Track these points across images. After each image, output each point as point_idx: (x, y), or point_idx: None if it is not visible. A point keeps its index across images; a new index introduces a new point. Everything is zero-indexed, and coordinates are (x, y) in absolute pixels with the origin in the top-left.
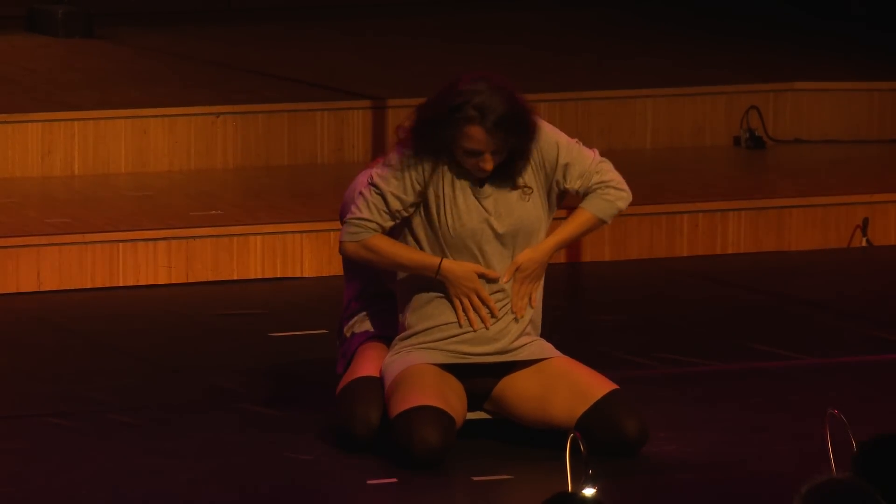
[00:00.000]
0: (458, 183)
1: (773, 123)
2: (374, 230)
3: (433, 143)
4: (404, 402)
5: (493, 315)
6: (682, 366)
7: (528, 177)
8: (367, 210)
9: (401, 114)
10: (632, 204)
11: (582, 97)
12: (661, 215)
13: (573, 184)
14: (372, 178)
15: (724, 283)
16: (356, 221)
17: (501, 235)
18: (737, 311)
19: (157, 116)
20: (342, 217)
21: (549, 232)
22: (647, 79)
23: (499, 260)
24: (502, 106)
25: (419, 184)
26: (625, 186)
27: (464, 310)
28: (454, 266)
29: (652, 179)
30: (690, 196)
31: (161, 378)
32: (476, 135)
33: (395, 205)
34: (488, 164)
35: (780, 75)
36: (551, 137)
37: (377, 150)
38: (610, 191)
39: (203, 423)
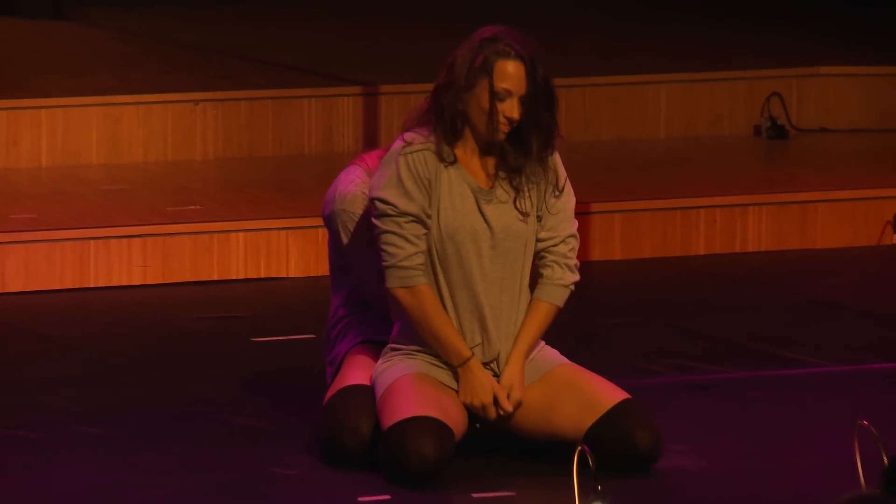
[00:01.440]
0: (458, 186)
1: (796, 111)
2: (423, 266)
3: (456, 96)
4: (398, 411)
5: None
6: (699, 373)
7: (532, 195)
8: (406, 244)
9: (394, 101)
10: (645, 198)
11: (589, 83)
12: (676, 210)
13: (541, 232)
14: (381, 201)
15: (744, 283)
16: (403, 263)
17: (494, 242)
18: (757, 313)
19: (131, 104)
20: (325, 217)
21: None
22: (661, 63)
23: (490, 262)
24: (538, 54)
25: (429, 181)
26: (578, 271)
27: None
28: (479, 371)
29: (666, 171)
30: (707, 190)
31: (135, 387)
32: (512, 70)
33: (422, 213)
34: (515, 112)
35: (805, 59)
36: (562, 171)
37: (368, 140)
38: (566, 273)
39: (181, 436)
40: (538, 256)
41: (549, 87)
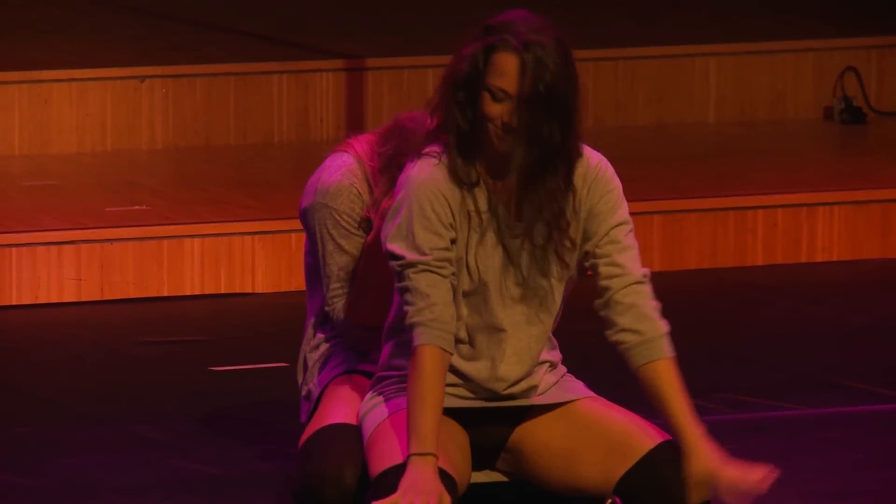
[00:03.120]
0: (485, 213)
1: (876, 90)
2: (440, 320)
3: (453, 88)
4: (389, 455)
5: None
6: (754, 409)
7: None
8: (420, 299)
9: (383, 77)
10: (691, 196)
11: (624, 55)
12: (728, 211)
13: (602, 266)
14: (392, 256)
15: (812, 300)
16: (418, 318)
17: (521, 289)
18: (828, 337)
19: (61, 81)
20: (301, 210)
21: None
22: (710, 32)
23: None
24: (553, 47)
25: (446, 213)
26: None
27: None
28: (435, 470)
29: (716, 164)
30: (767, 186)
31: (68, 425)
32: (507, 66)
33: (441, 256)
34: (512, 119)
35: (886, 27)
36: (611, 176)
37: (352, 125)
38: (658, 320)
39: (123, 487)
40: (604, 289)
41: (557, 92)
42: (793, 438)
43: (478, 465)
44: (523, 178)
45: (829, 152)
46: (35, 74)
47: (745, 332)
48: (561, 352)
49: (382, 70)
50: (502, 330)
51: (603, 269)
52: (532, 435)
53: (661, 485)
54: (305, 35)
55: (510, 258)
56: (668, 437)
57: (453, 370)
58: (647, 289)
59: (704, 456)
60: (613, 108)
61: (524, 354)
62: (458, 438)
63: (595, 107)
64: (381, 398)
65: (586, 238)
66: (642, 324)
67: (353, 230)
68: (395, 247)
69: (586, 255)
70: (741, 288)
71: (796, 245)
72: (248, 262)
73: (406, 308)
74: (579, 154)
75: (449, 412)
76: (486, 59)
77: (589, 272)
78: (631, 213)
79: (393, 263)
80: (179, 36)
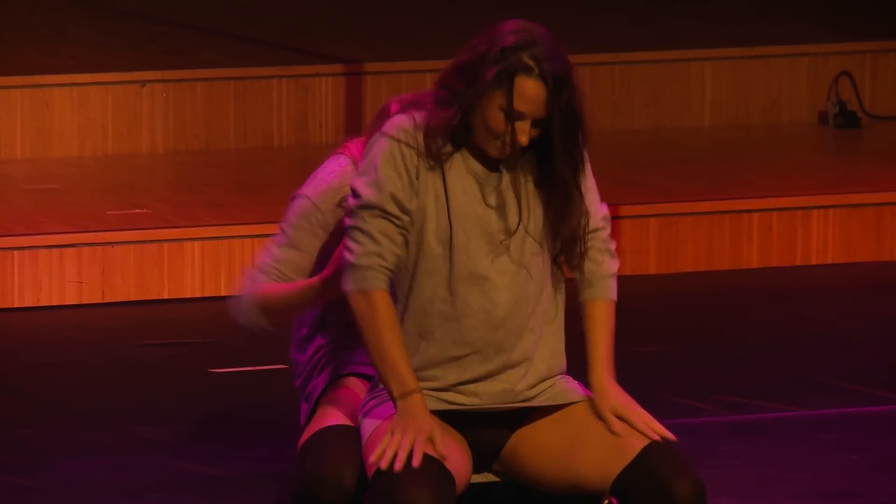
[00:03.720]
0: (459, 182)
1: (870, 94)
2: (388, 267)
3: (465, 97)
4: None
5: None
6: (750, 411)
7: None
8: (367, 241)
9: (382, 82)
10: (686, 200)
11: (621, 60)
12: (724, 214)
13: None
14: (356, 194)
15: (807, 303)
16: (363, 262)
17: (513, 259)
18: (822, 339)
19: (63, 85)
20: (291, 199)
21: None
22: (706, 36)
23: (503, 292)
24: (566, 71)
25: (414, 178)
26: (616, 256)
27: (385, 447)
28: (423, 406)
29: (711, 167)
30: (762, 189)
31: (68, 427)
32: (530, 91)
33: (401, 213)
34: (524, 137)
35: (880, 32)
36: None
37: (350, 129)
38: (608, 261)
39: (124, 488)
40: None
41: (574, 110)
42: (788, 440)
43: (476, 469)
44: (534, 188)
45: (824, 156)
46: (37, 79)
47: (740, 335)
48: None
49: (381, 74)
50: (486, 278)
51: None
52: (529, 439)
53: (654, 483)
54: (305, 40)
55: (490, 217)
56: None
57: (445, 355)
58: (602, 234)
59: (607, 396)
60: (610, 112)
61: (519, 301)
62: (456, 440)
63: (592, 111)
64: (379, 400)
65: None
66: (589, 265)
67: (320, 230)
68: (360, 183)
69: None
70: (736, 290)
71: (791, 248)
72: (248, 264)
73: (354, 247)
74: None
75: (446, 416)
76: (510, 80)
77: None
78: (627, 217)
79: (351, 201)
80: (180, 41)
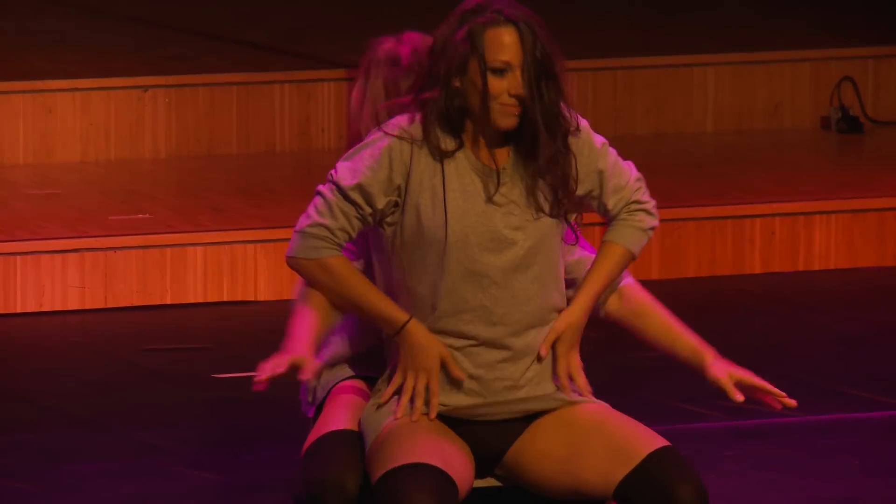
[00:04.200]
0: (459, 180)
1: (872, 100)
2: (338, 243)
3: (445, 76)
4: (391, 459)
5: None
6: (753, 416)
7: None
8: (328, 215)
9: None
10: (689, 205)
11: (621, 64)
12: (727, 220)
13: (608, 200)
14: (335, 170)
15: (809, 308)
16: (313, 230)
17: (517, 255)
18: (825, 345)
19: (65, 90)
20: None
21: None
22: (708, 42)
23: (503, 289)
24: (534, 17)
25: (400, 175)
26: (656, 212)
27: (400, 391)
28: (421, 333)
29: (714, 173)
30: (764, 195)
31: (72, 433)
32: (505, 38)
33: (366, 205)
34: (519, 88)
35: (883, 37)
36: (585, 134)
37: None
38: (642, 216)
39: (128, 494)
40: (610, 223)
41: (550, 56)
42: (790, 445)
43: (478, 474)
44: (525, 145)
45: (827, 161)
46: (39, 84)
47: (743, 340)
48: None
49: None
50: (484, 275)
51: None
52: (532, 444)
53: (657, 488)
54: (307, 45)
55: (493, 218)
56: (666, 443)
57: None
58: (638, 195)
59: (561, 319)
60: (612, 117)
61: (520, 297)
62: (458, 444)
63: (594, 116)
64: (383, 405)
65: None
66: (622, 214)
67: None
68: (341, 164)
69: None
70: (739, 296)
71: (794, 253)
72: (251, 270)
73: (312, 214)
74: (575, 121)
75: (448, 420)
76: (479, 39)
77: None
78: None
79: (330, 172)
80: (182, 46)
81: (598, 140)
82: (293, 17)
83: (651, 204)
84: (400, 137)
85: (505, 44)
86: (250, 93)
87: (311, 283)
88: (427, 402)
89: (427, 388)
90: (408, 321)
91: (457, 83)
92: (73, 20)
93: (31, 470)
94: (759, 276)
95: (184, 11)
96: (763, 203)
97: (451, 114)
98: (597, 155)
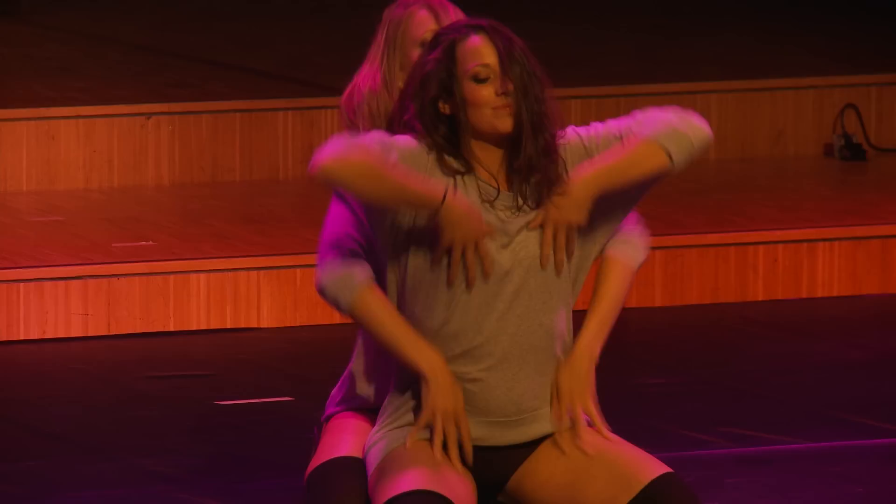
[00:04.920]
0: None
1: (875, 127)
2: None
3: (432, 102)
4: (393, 486)
5: (485, 277)
6: (758, 443)
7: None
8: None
9: None
10: (692, 232)
11: (626, 92)
12: (729, 247)
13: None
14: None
15: (812, 335)
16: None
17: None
18: (828, 371)
19: (69, 118)
20: (321, 258)
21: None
22: (710, 68)
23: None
24: (494, 22)
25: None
26: (694, 122)
27: (451, 265)
28: (461, 202)
29: (717, 200)
30: (768, 222)
31: (74, 460)
32: (478, 44)
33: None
34: (506, 85)
35: (886, 64)
36: (571, 135)
37: None
38: (639, 230)
39: None
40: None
41: (526, 55)
42: (794, 472)
43: (479, 500)
44: (514, 144)
45: (830, 188)
46: (42, 111)
47: (746, 367)
48: None
49: None
50: (484, 303)
51: None
52: (534, 471)
53: None
54: (310, 72)
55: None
56: (669, 469)
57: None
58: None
59: (577, 355)
60: None
61: (521, 324)
62: (460, 471)
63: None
64: (386, 431)
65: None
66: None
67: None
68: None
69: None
70: (742, 323)
71: (797, 280)
72: (254, 297)
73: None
74: (560, 119)
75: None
76: (453, 56)
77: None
78: None
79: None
80: (185, 73)
81: (580, 130)
82: (296, 45)
83: (640, 231)
84: (420, 154)
85: (479, 49)
86: (254, 120)
87: (334, 183)
88: (461, 446)
89: (459, 431)
90: (447, 189)
91: (444, 108)
92: (77, 48)
93: (34, 497)
94: (761, 304)
95: (187, 39)
96: (766, 230)
97: (451, 140)
98: (583, 143)
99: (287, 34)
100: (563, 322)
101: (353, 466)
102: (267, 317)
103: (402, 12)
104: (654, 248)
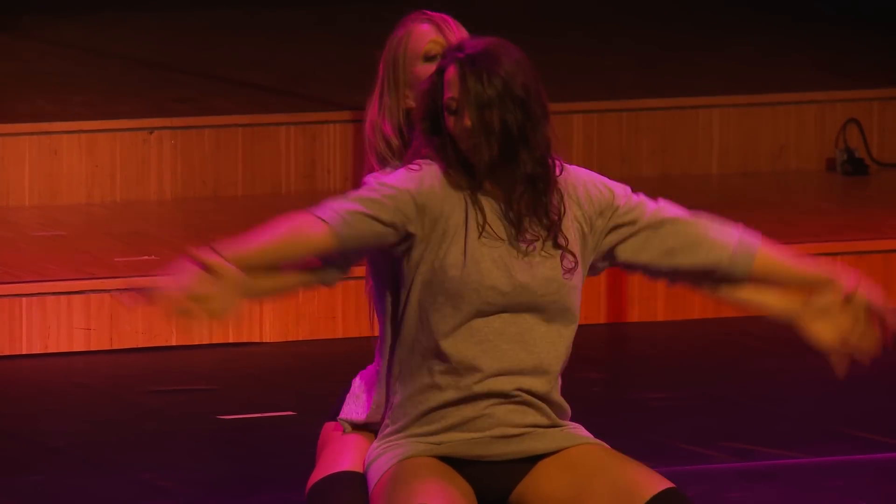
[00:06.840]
0: (480, 227)
1: (878, 142)
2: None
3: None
4: (395, 501)
5: None
6: (758, 458)
7: (570, 236)
8: (376, 203)
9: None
10: None
11: (629, 107)
12: None
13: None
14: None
15: (814, 349)
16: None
17: (534, 304)
18: (830, 386)
19: (71, 132)
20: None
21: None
22: (713, 83)
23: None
24: (493, 48)
25: (413, 205)
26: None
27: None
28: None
29: (719, 214)
30: (770, 236)
31: (77, 474)
32: (450, 77)
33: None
34: (465, 121)
35: (888, 79)
36: (592, 176)
37: (360, 177)
38: (714, 237)
39: None
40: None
41: (520, 66)
42: (796, 486)
43: None
44: (495, 177)
45: (832, 203)
46: (45, 126)
47: (748, 382)
48: (567, 401)
49: None
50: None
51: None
52: (536, 487)
53: None
54: (312, 86)
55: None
56: (671, 484)
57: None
58: (672, 212)
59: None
60: (618, 159)
61: (525, 337)
62: (462, 487)
63: (600, 158)
64: (387, 446)
65: (609, 236)
66: (713, 251)
67: None
68: (368, 189)
69: (616, 249)
70: (745, 337)
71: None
72: (256, 311)
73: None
74: (548, 147)
75: (453, 463)
76: (439, 83)
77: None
78: None
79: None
80: (187, 88)
81: (606, 180)
82: (299, 59)
83: (665, 203)
84: (430, 180)
85: (450, 82)
86: (256, 135)
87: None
88: None
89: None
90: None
91: (439, 127)
92: (79, 62)
93: None
94: (764, 318)
95: (189, 54)
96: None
97: (455, 157)
98: (611, 192)
99: (289, 49)
100: (564, 340)
101: (354, 481)
102: (269, 331)
103: (402, 32)
104: None
